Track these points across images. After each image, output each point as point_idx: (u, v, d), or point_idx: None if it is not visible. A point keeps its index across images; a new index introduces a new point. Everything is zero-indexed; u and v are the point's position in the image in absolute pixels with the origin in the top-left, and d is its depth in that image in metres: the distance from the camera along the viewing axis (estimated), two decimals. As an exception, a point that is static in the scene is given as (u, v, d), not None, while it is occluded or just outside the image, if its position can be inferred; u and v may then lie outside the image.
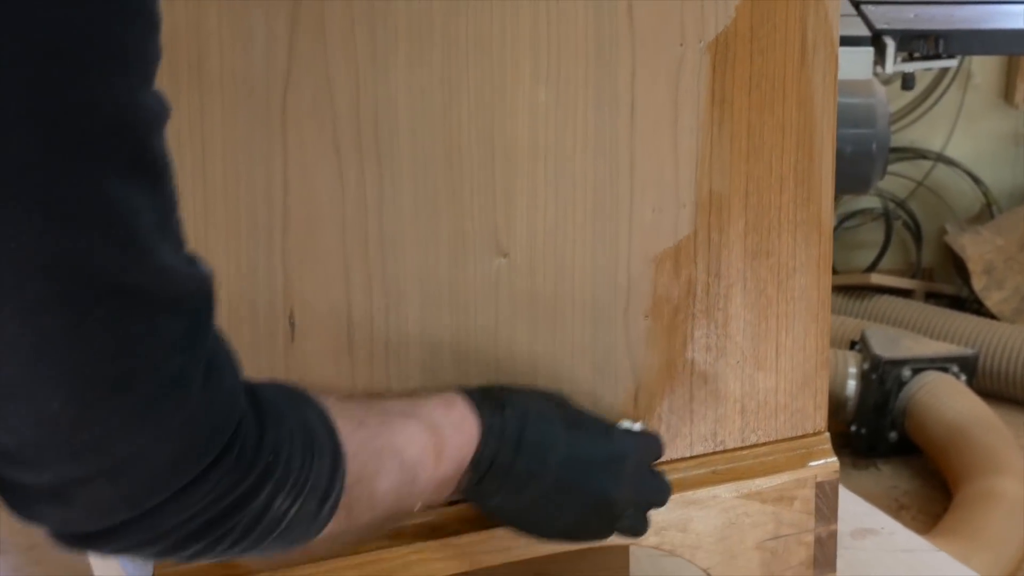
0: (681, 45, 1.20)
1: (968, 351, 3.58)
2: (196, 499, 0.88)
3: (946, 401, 3.38)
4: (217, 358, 0.89)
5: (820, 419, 1.34)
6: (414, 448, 1.09)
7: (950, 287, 4.08)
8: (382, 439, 1.07)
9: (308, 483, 0.96)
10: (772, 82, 1.24)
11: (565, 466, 1.17)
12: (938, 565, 1.63)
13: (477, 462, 1.14)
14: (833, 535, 1.36)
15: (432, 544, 1.22)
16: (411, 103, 1.13)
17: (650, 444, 1.24)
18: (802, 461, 1.33)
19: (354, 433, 1.03)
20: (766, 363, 1.30)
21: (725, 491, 1.31)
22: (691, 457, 1.30)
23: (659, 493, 1.24)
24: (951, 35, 2.62)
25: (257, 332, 1.13)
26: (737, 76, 1.23)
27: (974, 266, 3.95)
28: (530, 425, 1.16)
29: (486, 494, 1.16)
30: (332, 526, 1.01)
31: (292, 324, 1.14)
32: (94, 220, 0.79)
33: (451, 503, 1.18)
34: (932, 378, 3.45)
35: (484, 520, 1.23)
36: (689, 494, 1.29)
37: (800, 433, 1.33)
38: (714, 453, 1.31)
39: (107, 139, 0.79)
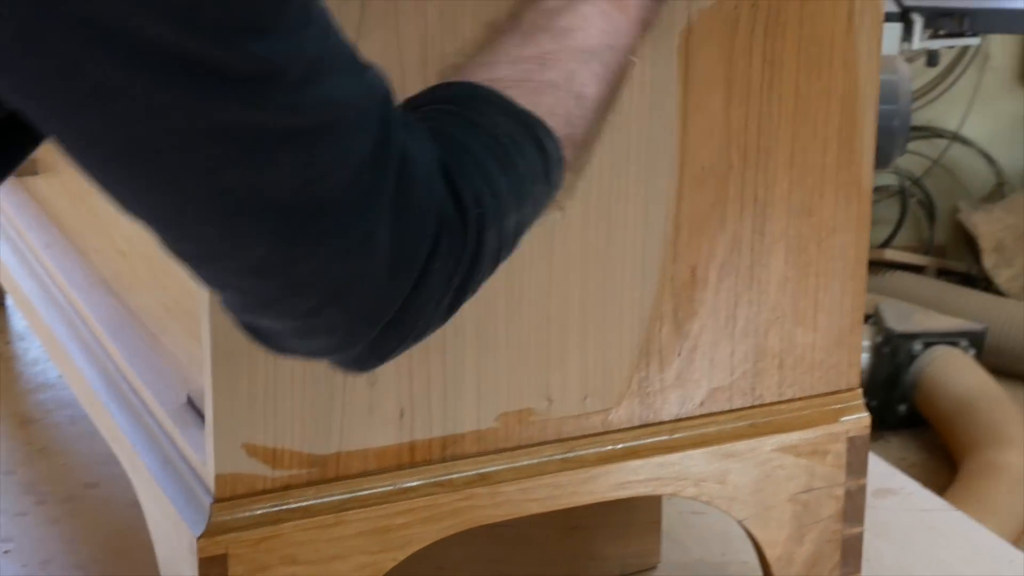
0: (736, 7, 1.22)
1: (977, 326, 3.60)
2: (431, 291, 0.89)
3: (955, 375, 3.40)
4: (407, 153, 0.87)
5: (853, 376, 1.35)
6: (599, 27, 1.03)
7: (961, 264, 4.10)
8: (566, 54, 1.01)
9: (524, 186, 0.94)
10: (820, 46, 1.26)
11: None
12: (955, 524, 1.65)
13: None
14: (862, 489, 1.37)
15: (480, 491, 1.23)
16: None
17: None
18: (835, 416, 1.35)
19: (540, 72, 0.99)
20: (805, 320, 1.32)
21: (762, 444, 1.32)
22: (730, 411, 1.31)
23: None
24: (976, 13, 2.65)
25: None
26: (787, 39, 1.24)
27: (985, 243, 3.97)
28: None
29: None
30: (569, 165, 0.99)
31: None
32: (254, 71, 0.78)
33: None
34: (942, 352, 3.47)
35: (530, 469, 1.25)
36: (728, 446, 1.31)
37: (834, 389, 1.35)
38: (752, 407, 1.32)
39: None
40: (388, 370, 1.17)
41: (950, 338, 3.52)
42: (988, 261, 3.93)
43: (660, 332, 1.27)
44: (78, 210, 1.73)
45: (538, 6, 1.01)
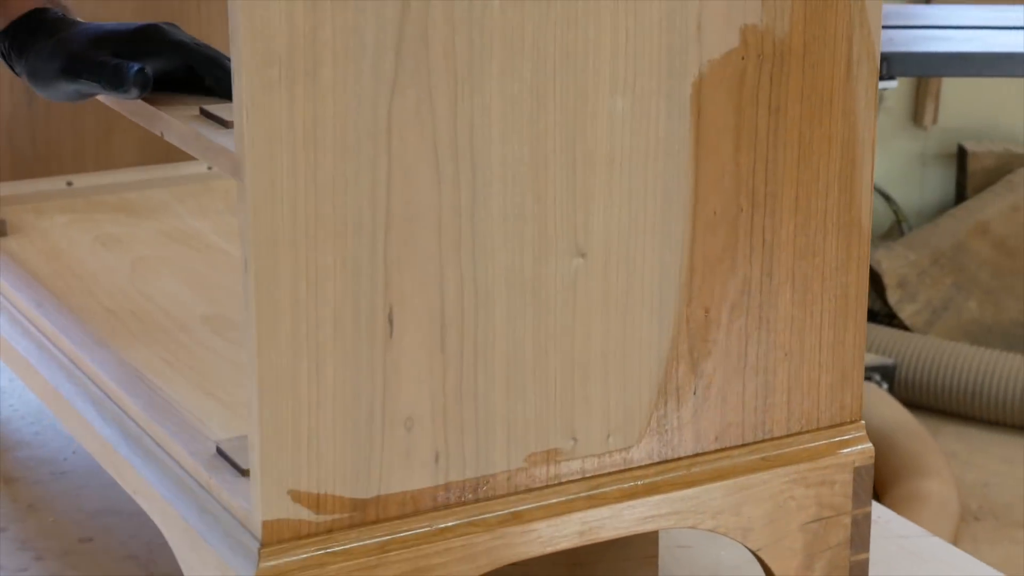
0: (743, 58, 1.25)
1: (888, 360, 3.67)
2: None
3: (871, 409, 3.45)
4: None
5: (856, 408, 1.39)
6: None
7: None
8: None
9: None
10: (821, 95, 1.29)
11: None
12: (933, 549, 1.68)
13: None
14: (867, 517, 1.41)
15: (513, 529, 1.25)
16: (503, 111, 1.18)
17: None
18: (841, 447, 1.38)
19: None
20: (811, 356, 1.35)
21: (774, 476, 1.35)
22: (743, 445, 1.34)
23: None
24: (894, 58, 2.72)
25: (359, 328, 1.17)
26: (791, 88, 1.28)
27: (889, 280, 4.04)
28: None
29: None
30: None
31: (391, 321, 1.17)
32: None
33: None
34: (856, 387, 3.53)
35: (559, 507, 1.27)
36: (742, 479, 1.33)
37: (839, 422, 1.38)
38: (764, 441, 1.35)
39: None
40: (424, 416, 1.21)
41: (864, 373, 3.58)
42: (892, 297, 4.01)
43: (677, 371, 1.30)
44: (55, 269, 1.73)
45: None
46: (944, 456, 3.41)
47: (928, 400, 3.74)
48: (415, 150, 1.16)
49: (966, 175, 4.05)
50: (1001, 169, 4.01)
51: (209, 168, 2.02)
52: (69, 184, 1.98)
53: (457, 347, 1.21)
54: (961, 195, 4.08)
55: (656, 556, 1.57)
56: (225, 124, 1.26)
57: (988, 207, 3.96)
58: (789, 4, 1.26)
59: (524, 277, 1.22)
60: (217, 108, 1.30)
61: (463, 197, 1.18)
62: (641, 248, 1.26)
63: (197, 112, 1.31)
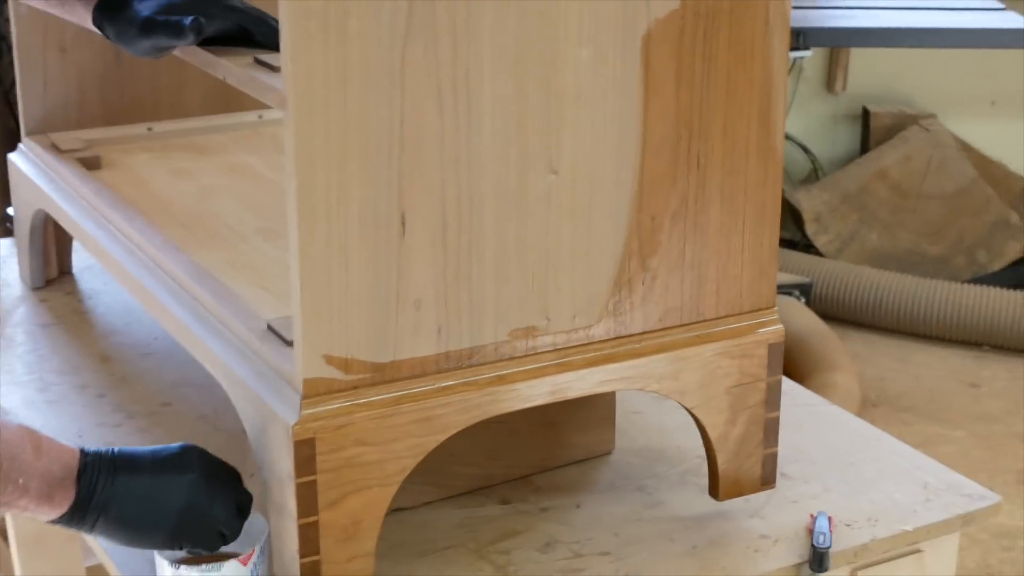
0: (683, 17, 1.26)
1: (806, 279, 3.69)
2: None
3: (792, 318, 3.47)
4: None
5: (771, 297, 1.39)
6: (6, 432, 1.15)
7: (788, 233, 4.20)
8: None
9: None
10: (744, 46, 1.30)
11: (154, 470, 1.22)
12: (833, 414, 1.70)
13: (81, 475, 1.18)
14: (779, 383, 1.42)
15: (498, 388, 1.28)
16: (492, 56, 1.19)
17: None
18: (759, 327, 1.39)
19: None
20: (735, 255, 1.36)
21: (705, 350, 1.36)
22: (681, 325, 1.35)
23: (246, 499, 1.27)
24: (809, 32, 2.73)
25: (378, 229, 1.18)
26: (720, 41, 1.28)
27: (807, 215, 4.05)
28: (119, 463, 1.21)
29: (95, 503, 1.20)
30: None
31: (403, 224, 1.19)
32: None
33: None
34: (780, 300, 3.55)
35: (535, 371, 1.29)
36: (680, 352, 1.35)
37: (757, 307, 1.39)
38: (698, 322, 1.36)
39: None
40: (429, 298, 1.23)
41: (785, 289, 3.59)
42: (810, 229, 4.03)
43: (629, 266, 1.31)
44: (141, 194, 1.75)
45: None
46: (849, 355, 3.43)
47: (838, 312, 3.76)
48: (423, 87, 1.17)
49: (869, 131, 4.06)
50: (897, 126, 4.02)
51: (259, 117, 2.05)
52: (149, 129, 2.00)
53: (455, 244, 1.22)
54: (865, 147, 4.08)
55: (613, 418, 1.58)
56: (273, 68, 1.28)
57: (886, 157, 3.97)
58: (718, -26, 1.27)
59: (508, 189, 1.23)
60: (267, 57, 1.32)
61: (460, 125, 1.19)
62: (601, 167, 1.27)
63: (251, 60, 1.33)
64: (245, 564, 1.26)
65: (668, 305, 1.35)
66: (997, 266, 3.96)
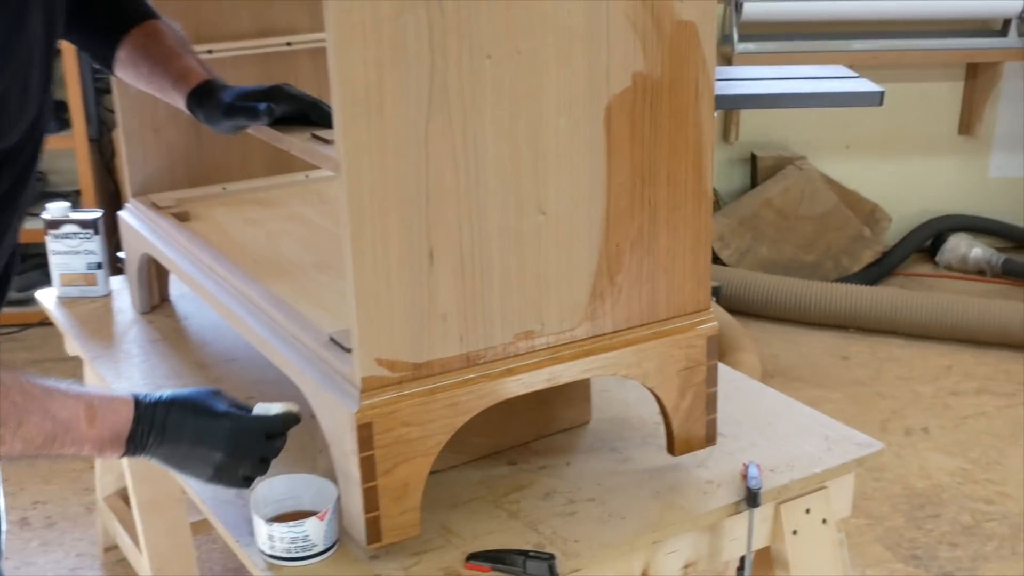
0: (634, 92, 1.24)
1: (716, 283, 3.67)
2: None
3: (706, 312, 3.44)
4: None
5: (706, 301, 1.37)
6: (65, 412, 1.08)
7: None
8: (36, 402, 1.06)
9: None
10: (681, 113, 1.28)
11: (192, 440, 1.17)
12: (752, 387, 1.68)
13: (131, 437, 1.13)
14: (716, 366, 1.40)
15: (507, 379, 1.25)
16: (493, 128, 1.17)
17: (272, 423, 1.22)
18: (699, 324, 1.37)
19: (11, 394, 1.03)
20: (677, 270, 1.34)
21: (660, 343, 1.35)
22: (641, 325, 1.34)
23: (270, 453, 1.22)
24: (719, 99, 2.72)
25: (413, 261, 1.17)
26: (663, 109, 1.27)
27: (713, 236, 4.03)
28: (170, 414, 1.15)
29: (144, 454, 1.16)
30: None
31: (431, 256, 1.18)
32: None
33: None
34: (696, 300, 3.54)
35: (534, 364, 1.26)
36: (641, 345, 1.33)
37: (696, 309, 1.37)
38: (653, 322, 1.34)
39: None
40: (453, 312, 1.21)
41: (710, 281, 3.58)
42: (716, 246, 4.02)
43: (601, 282, 1.30)
44: (222, 239, 1.72)
45: (57, 382, 1.08)
46: (751, 339, 3.41)
47: (740, 307, 3.75)
48: (442, 152, 1.16)
49: (757, 171, 4.06)
50: (777, 166, 4.02)
51: (307, 176, 2.02)
52: (224, 188, 1.97)
53: (471, 270, 1.21)
54: (754, 183, 4.09)
55: (589, 396, 1.57)
56: (327, 142, 1.26)
57: (770, 189, 3.97)
58: (660, 58, 1.25)
59: (509, 227, 1.22)
60: (322, 133, 1.30)
61: (471, 180, 1.18)
62: (578, 208, 1.26)
63: (309, 136, 1.31)
64: (322, 519, 1.23)
65: (631, 310, 1.33)
66: (856, 268, 3.96)
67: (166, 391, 1.18)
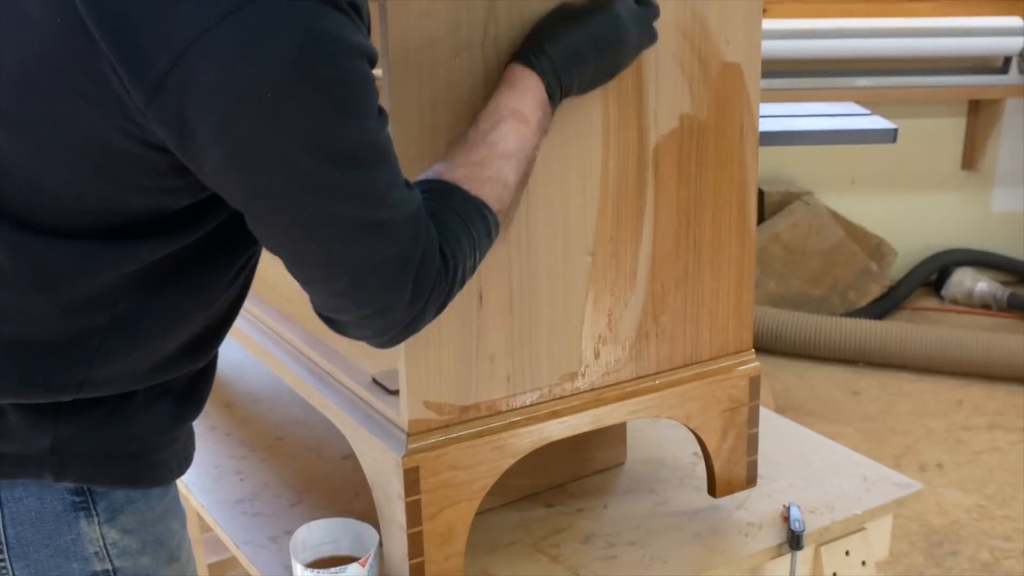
0: (681, 133, 1.23)
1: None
2: (430, 309, 0.97)
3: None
4: (428, 235, 0.94)
5: (749, 342, 1.35)
6: (513, 138, 1.02)
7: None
8: (495, 158, 1.01)
9: (479, 243, 1.00)
10: (726, 154, 1.27)
11: (588, 45, 1.07)
12: (784, 425, 1.66)
13: (551, 97, 1.06)
14: (757, 406, 1.38)
15: (553, 421, 1.23)
16: (544, 173, 1.15)
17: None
18: (741, 365, 1.35)
19: (481, 171, 1.00)
20: (720, 310, 1.32)
21: (703, 384, 1.33)
22: (684, 365, 1.31)
23: (653, 12, 1.13)
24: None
25: (462, 302, 1.15)
26: (708, 150, 1.26)
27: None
28: (562, 49, 1.06)
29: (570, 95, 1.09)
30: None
31: (480, 297, 1.16)
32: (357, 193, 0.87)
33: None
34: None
35: (580, 407, 1.24)
36: (685, 387, 1.31)
37: (738, 349, 1.35)
38: (696, 363, 1.32)
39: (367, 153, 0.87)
40: (501, 353, 1.19)
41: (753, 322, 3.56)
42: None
43: (646, 322, 1.28)
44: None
45: (475, 128, 1.03)
46: (763, 374, 3.40)
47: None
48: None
49: (765, 206, 4.06)
50: (785, 202, 4.01)
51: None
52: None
53: (519, 311, 1.19)
54: (762, 218, 4.08)
55: (625, 436, 1.54)
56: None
57: (778, 224, 3.96)
58: (707, 99, 1.24)
59: (557, 268, 1.20)
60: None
61: (521, 222, 1.16)
62: (624, 248, 1.24)
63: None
64: (364, 566, 1.20)
65: (675, 351, 1.31)
66: (863, 303, 3.95)
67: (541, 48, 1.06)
